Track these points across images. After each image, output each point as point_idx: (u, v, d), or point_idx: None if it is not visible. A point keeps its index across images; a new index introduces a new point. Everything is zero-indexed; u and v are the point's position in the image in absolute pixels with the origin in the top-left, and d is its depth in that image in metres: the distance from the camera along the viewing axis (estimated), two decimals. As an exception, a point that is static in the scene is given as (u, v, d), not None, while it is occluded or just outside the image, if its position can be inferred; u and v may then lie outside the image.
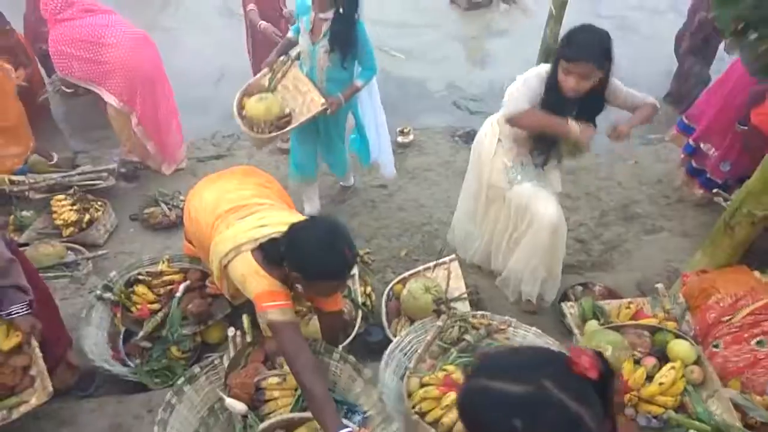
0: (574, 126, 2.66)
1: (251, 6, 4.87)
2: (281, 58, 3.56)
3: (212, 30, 6.69)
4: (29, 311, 2.37)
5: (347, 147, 4.07)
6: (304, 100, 3.46)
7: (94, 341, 2.87)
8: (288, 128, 3.45)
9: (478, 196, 3.35)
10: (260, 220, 2.25)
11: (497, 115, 3.09)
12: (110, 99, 4.16)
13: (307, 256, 1.98)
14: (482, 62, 6.87)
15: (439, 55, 6.79)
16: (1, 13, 4.71)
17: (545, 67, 2.74)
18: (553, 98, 2.68)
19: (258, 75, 3.60)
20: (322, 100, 3.37)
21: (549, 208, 2.93)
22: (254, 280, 2.11)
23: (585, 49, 2.50)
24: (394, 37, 6.89)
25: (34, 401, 2.29)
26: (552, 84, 2.66)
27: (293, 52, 3.60)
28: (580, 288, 3.28)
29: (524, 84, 2.75)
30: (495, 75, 6.31)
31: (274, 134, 3.42)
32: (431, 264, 3.28)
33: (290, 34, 3.57)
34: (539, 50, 4.44)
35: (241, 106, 3.46)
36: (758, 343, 2.35)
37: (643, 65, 5.72)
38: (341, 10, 3.19)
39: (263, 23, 4.74)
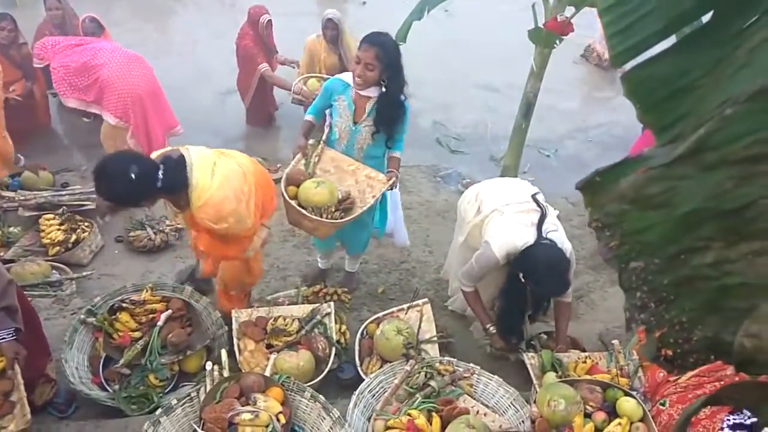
0: (491, 331, 3.21)
1: (264, 65, 5.18)
2: (310, 141, 3.26)
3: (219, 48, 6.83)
4: (15, 337, 2.47)
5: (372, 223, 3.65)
6: (357, 178, 3.21)
7: (76, 364, 2.97)
8: (365, 208, 3.11)
9: (455, 247, 3.57)
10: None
11: (482, 186, 3.38)
12: (108, 117, 4.45)
13: None
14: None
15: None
16: (18, 28, 4.88)
17: (503, 253, 2.88)
18: (513, 298, 3.07)
19: (292, 162, 3.21)
20: (382, 175, 3.15)
21: None
22: None
23: (555, 292, 2.95)
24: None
25: (12, 427, 2.38)
26: (515, 289, 2.98)
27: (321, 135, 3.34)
28: (545, 336, 3.44)
29: (478, 265, 3.03)
30: (481, 118, 6.56)
31: (350, 218, 3.03)
32: (405, 306, 3.43)
33: (308, 117, 3.31)
34: (520, 103, 4.67)
35: (290, 197, 3.03)
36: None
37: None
38: (384, 89, 3.01)
39: (296, 87, 5.04)
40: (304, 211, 2.92)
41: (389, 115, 3.08)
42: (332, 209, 2.97)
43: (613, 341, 3.03)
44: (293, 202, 2.97)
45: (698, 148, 0.74)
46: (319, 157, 3.24)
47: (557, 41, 4.03)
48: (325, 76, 5.02)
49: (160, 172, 2.49)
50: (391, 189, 3.24)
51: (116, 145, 4.56)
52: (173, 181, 2.53)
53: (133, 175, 2.40)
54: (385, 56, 2.90)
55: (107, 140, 4.63)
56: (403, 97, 3.08)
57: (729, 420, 2.39)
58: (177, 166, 2.56)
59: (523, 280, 2.82)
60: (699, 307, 0.82)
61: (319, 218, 2.92)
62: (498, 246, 2.88)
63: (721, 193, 0.75)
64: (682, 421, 0.98)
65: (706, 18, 0.84)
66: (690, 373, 2.63)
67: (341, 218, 2.98)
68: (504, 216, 2.99)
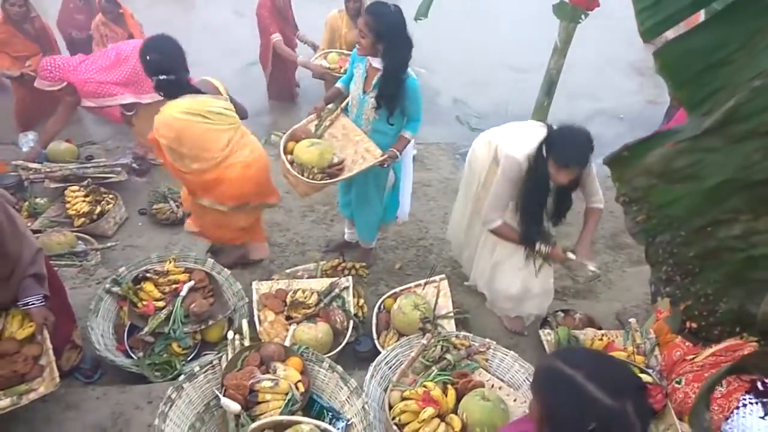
0: (542, 248, 3.02)
1: (276, 36, 5.16)
2: (329, 106, 3.42)
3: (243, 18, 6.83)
4: (43, 303, 2.55)
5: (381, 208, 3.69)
6: (357, 149, 3.26)
7: (101, 332, 3.06)
8: (345, 176, 3.21)
9: (465, 207, 3.50)
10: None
11: (492, 133, 3.24)
12: (146, 98, 4.38)
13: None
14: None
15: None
16: (28, 1, 4.90)
17: (524, 154, 2.87)
18: (535, 186, 2.90)
19: (304, 120, 3.41)
20: (379, 151, 3.19)
21: None
22: None
23: (576, 157, 2.73)
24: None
25: (42, 390, 2.46)
26: (537, 174, 2.85)
27: (343, 103, 3.47)
28: (561, 314, 3.45)
29: (504, 179, 2.95)
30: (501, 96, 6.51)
31: (328, 182, 3.17)
32: (422, 282, 3.46)
33: (339, 84, 3.45)
34: (543, 80, 4.62)
35: (286, 151, 3.24)
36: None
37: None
38: (382, 58, 3.06)
39: (302, 59, 5.10)
40: (289, 166, 3.15)
41: (387, 90, 3.11)
42: (315, 170, 3.11)
43: (630, 320, 3.04)
44: (285, 157, 3.20)
45: (726, 120, 0.75)
46: (332, 122, 3.37)
47: (582, 16, 3.96)
48: (346, 51, 5.00)
49: (164, 75, 2.98)
50: (382, 166, 3.25)
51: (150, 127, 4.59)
52: (165, 87, 3.04)
53: (149, 56, 2.98)
54: (375, 25, 2.96)
55: (141, 121, 4.59)
56: (406, 76, 3.09)
57: (745, 399, 2.40)
58: (181, 87, 3.05)
59: (545, 155, 2.76)
60: (724, 279, 0.83)
61: (298, 175, 3.10)
62: (517, 149, 2.88)
63: (749, 164, 0.76)
64: (706, 389, 0.99)
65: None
66: (706, 352, 2.64)
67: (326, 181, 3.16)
68: (515, 131, 3.05)
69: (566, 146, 2.71)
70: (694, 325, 0.87)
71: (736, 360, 0.92)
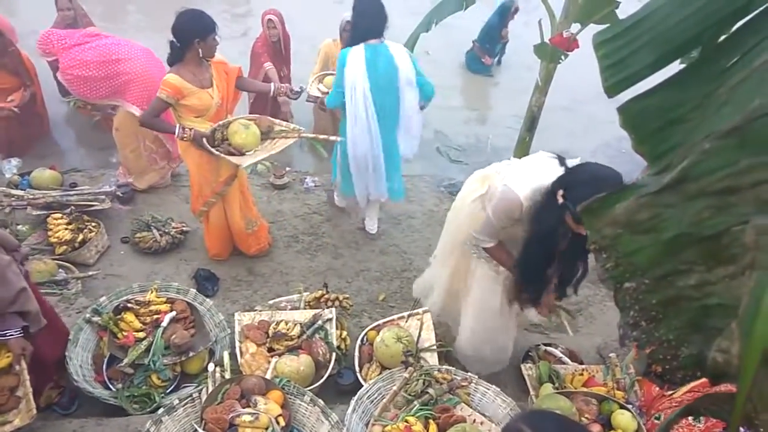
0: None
1: (268, 65, 5.26)
2: (298, 126, 3.89)
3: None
4: (22, 334, 2.52)
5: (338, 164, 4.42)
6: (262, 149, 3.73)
7: (80, 363, 3.02)
8: (213, 152, 3.54)
9: (446, 246, 3.35)
10: None
11: (483, 173, 2.95)
12: (132, 108, 4.43)
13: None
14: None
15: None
16: (3, 33, 4.91)
17: (527, 193, 2.38)
18: (540, 237, 2.36)
19: (278, 120, 3.94)
20: (242, 164, 3.62)
21: None
22: None
23: None
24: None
25: (17, 422, 2.43)
26: (542, 224, 2.33)
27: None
28: (543, 348, 3.48)
29: (498, 210, 2.53)
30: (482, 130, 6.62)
31: (208, 147, 3.53)
32: (405, 314, 3.47)
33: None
34: (524, 117, 4.73)
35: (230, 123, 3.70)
36: (695, 418, 2.56)
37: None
38: None
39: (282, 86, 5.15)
40: (215, 127, 3.64)
41: None
42: (221, 139, 3.64)
43: (611, 354, 3.07)
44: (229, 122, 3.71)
45: (681, 178, 0.81)
46: (286, 136, 3.79)
47: (562, 57, 4.09)
48: None
49: (200, 40, 3.48)
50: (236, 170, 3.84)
51: (128, 143, 4.62)
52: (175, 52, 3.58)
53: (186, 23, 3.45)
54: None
55: (119, 135, 4.63)
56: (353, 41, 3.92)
57: (722, 435, 2.42)
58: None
59: (561, 199, 2.19)
60: (684, 326, 0.88)
61: (209, 132, 3.59)
62: (520, 185, 2.35)
63: (700, 220, 0.82)
64: (662, 429, 1.03)
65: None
66: (685, 389, 2.67)
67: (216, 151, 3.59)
68: (520, 163, 2.59)
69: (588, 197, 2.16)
70: (659, 368, 0.92)
71: (690, 402, 0.96)
